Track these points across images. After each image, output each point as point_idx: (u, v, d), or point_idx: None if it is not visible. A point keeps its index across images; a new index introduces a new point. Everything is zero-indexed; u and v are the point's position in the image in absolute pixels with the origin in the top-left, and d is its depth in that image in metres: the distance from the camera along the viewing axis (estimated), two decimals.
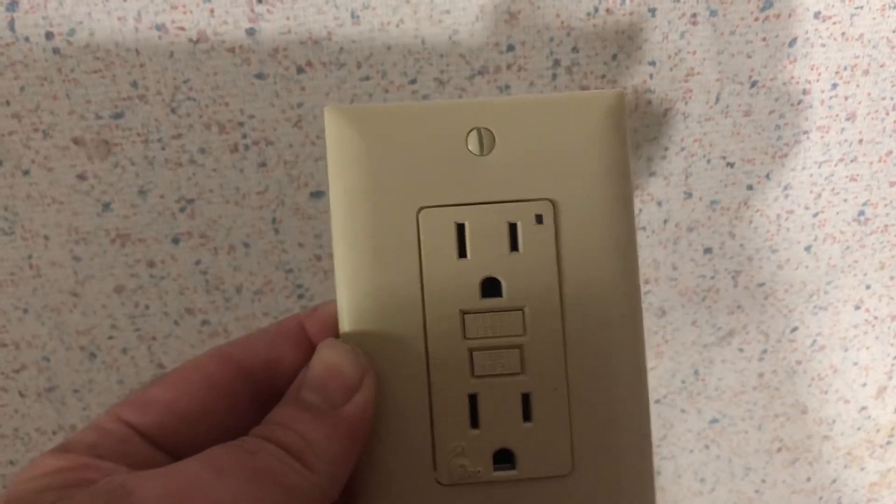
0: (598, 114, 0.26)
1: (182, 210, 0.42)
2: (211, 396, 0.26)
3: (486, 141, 0.26)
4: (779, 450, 0.57)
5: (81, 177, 0.41)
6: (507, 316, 0.26)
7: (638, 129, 0.43)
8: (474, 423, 0.26)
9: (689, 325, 0.50)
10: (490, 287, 0.26)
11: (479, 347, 0.26)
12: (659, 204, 0.45)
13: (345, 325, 0.26)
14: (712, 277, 0.49)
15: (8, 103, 0.39)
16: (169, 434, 0.25)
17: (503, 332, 0.26)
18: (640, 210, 0.45)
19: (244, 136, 0.41)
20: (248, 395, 0.26)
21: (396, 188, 0.25)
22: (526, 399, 0.26)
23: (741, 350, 0.52)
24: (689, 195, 0.45)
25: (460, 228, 0.26)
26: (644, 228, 0.46)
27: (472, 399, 0.26)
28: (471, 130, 0.26)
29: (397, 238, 0.25)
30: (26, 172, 0.40)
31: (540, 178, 0.26)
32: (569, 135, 0.26)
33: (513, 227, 0.26)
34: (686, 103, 0.43)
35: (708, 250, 0.48)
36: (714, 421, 0.55)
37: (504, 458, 0.26)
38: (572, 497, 0.26)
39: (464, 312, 0.26)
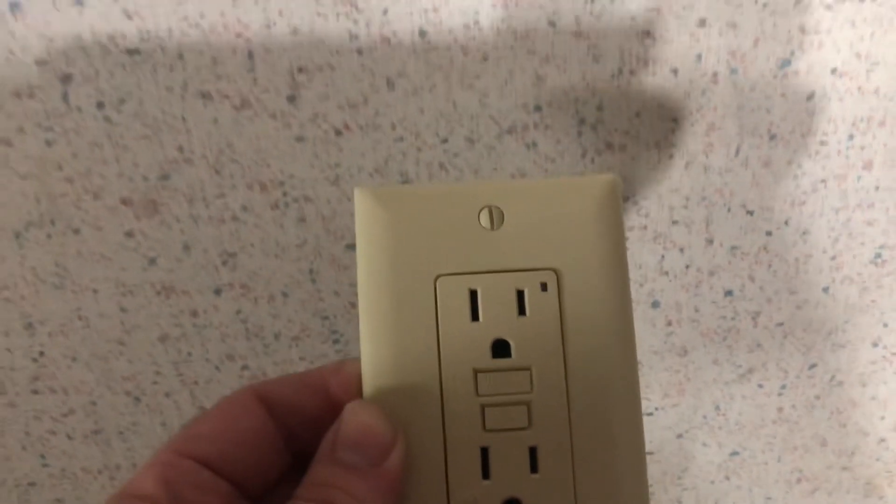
0: (594, 195, 0.29)
1: (224, 263, 0.44)
2: (252, 426, 0.28)
3: (497, 217, 0.29)
4: (798, 480, 0.58)
5: (129, 234, 0.43)
6: (515, 375, 0.28)
7: (660, 181, 0.45)
8: (485, 474, 0.28)
9: (710, 363, 0.52)
10: (500, 348, 0.28)
11: (491, 404, 0.28)
12: (681, 250, 0.47)
13: (368, 382, 0.28)
14: (733, 318, 0.50)
15: (60, 168, 0.41)
16: (228, 462, 0.27)
17: (512, 389, 0.28)
18: (663, 256, 0.47)
19: (284, 194, 0.42)
20: (277, 430, 0.29)
21: (417, 259, 0.28)
22: (533, 452, 0.28)
23: (761, 386, 0.53)
24: (710, 242, 0.47)
25: (473, 295, 0.28)
26: (667, 273, 0.48)
27: (484, 452, 0.28)
28: (483, 208, 0.29)
29: (417, 303, 0.28)
30: (77, 231, 0.42)
31: (544, 251, 0.29)
32: (569, 213, 0.29)
33: (520, 294, 0.28)
34: (707, 156, 0.44)
35: (728, 293, 0.49)
36: (734, 453, 0.56)
37: None
38: None
39: (476, 371, 0.28)
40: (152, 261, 0.44)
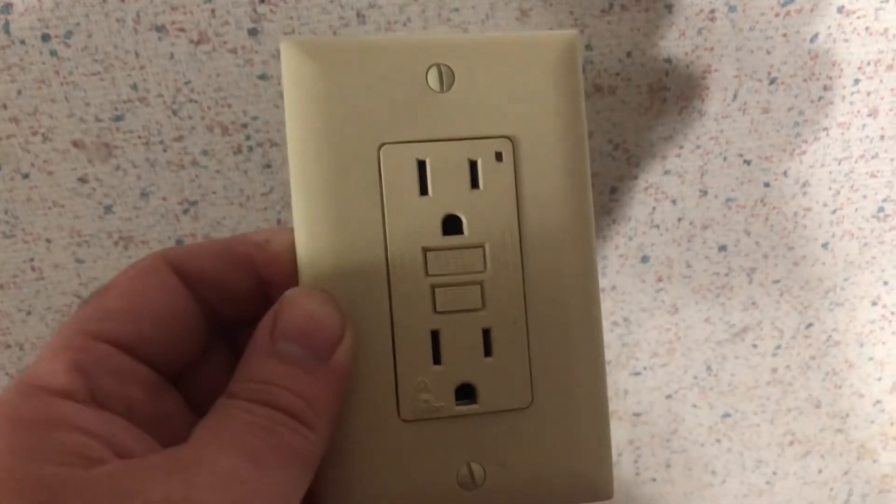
0: (553, 54, 0.26)
1: (185, 212, 0.41)
2: (168, 299, 0.25)
3: (447, 78, 0.26)
4: (791, 443, 0.56)
5: (82, 180, 0.40)
6: (468, 253, 0.26)
7: (653, 127, 0.42)
8: (437, 359, 0.26)
9: (702, 322, 0.49)
10: (451, 224, 0.26)
11: (441, 284, 0.26)
12: (673, 202, 0.44)
13: (305, 263, 0.25)
14: (727, 275, 0.48)
15: (5, 107, 0.38)
16: (144, 343, 0.24)
17: (464, 268, 0.26)
18: (654, 208, 0.44)
19: (248, 138, 0.39)
20: (196, 304, 0.25)
21: (357, 125, 0.25)
22: (486, 334, 0.26)
23: (755, 346, 0.51)
24: (704, 193, 0.44)
25: (421, 165, 0.26)
26: (658, 227, 0.45)
27: (435, 335, 0.26)
28: (431, 66, 0.26)
29: (359, 175, 0.25)
30: (26, 176, 0.39)
31: (499, 116, 0.26)
32: (526, 74, 0.26)
33: (473, 165, 0.26)
34: (703, 101, 0.41)
35: (723, 248, 0.46)
36: (726, 415, 0.54)
37: (466, 392, 0.26)
38: (531, 428, 0.26)
39: (426, 250, 0.26)
40: (108, 208, 0.41)
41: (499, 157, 0.26)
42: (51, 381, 0.22)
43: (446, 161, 0.26)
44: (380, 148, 0.25)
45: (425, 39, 0.26)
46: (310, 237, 0.25)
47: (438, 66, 0.25)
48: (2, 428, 0.20)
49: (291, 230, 0.26)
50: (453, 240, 0.26)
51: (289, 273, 0.26)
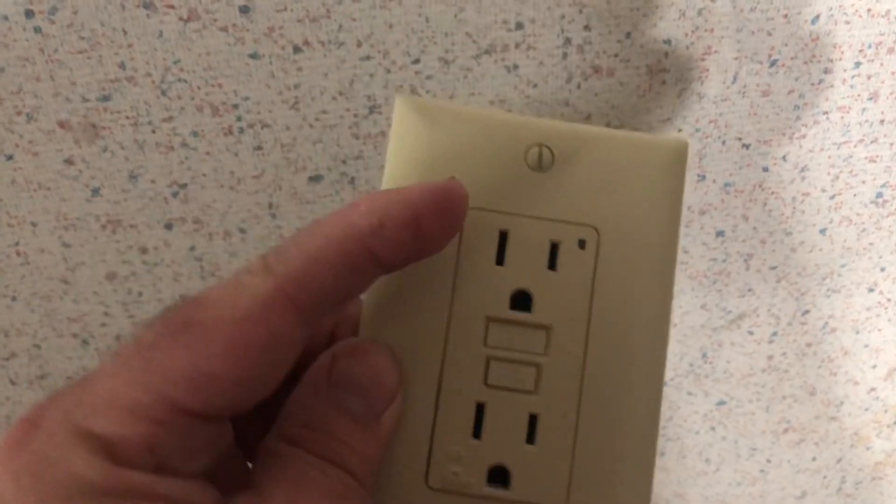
0: (660, 158, 0.26)
1: (175, 195, 0.40)
2: (283, 360, 0.21)
3: (546, 159, 0.25)
4: (785, 431, 0.56)
5: (69, 161, 0.39)
6: (531, 332, 0.25)
7: (651, 110, 0.41)
8: (476, 433, 0.25)
9: (698, 308, 0.49)
10: (521, 301, 0.25)
11: (498, 357, 0.25)
12: None
13: (368, 309, 0.25)
14: (724, 261, 0.47)
15: None
16: (237, 409, 0.21)
17: (524, 347, 0.25)
18: None
19: (238, 119, 0.39)
20: (302, 344, 0.22)
21: None
22: (533, 420, 0.25)
23: (751, 333, 0.50)
24: (702, 177, 0.44)
25: (503, 236, 0.25)
26: None
27: (480, 409, 0.25)
28: (532, 146, 0.25)
29: None
30: (10, 157, 0.38)
31: (590, 206, 0.25)
32: (627, 171, 0.25)
33: (554, 247, 0.25)
34: (702, 83, 0.41)
35: (720, 233, 0.46)
36: (721, 403, 0.54)
37: (498, 476, 0.25)
38: None
39: (490, 319, 0.25)
40: (96, 191, 0.40)
41: (581, 244, 0.25)
42: (122, 452, 0.19)
43: (528, 237, 0.25)
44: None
45: (533, 120, 0.26)
46: (379, 290, 0.25)
47: (541, 146, 0.25)
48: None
49: (389, 195, 0.23)
50: (519, 316, 0.25)
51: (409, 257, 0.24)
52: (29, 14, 0.35)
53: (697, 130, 0.42)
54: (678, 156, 0.26)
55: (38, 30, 0.35)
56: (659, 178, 0.25)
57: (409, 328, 0.25)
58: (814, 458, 0.57)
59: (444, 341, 0.25)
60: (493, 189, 0.25)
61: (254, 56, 0.37)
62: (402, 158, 0.25)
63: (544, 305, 0.25)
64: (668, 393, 0.52)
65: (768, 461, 0.57)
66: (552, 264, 0.25)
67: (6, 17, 0.35)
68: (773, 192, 0.45)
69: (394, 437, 0.24)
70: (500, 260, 0.25)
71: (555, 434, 0.25)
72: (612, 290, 0.25)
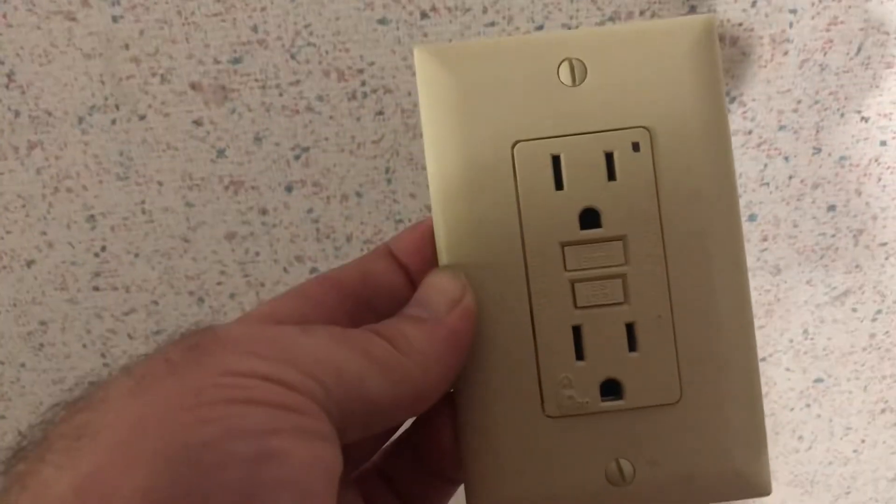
0: (688, 40, 0.25)
1: (297, 158, 0.41)
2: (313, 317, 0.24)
3: (578, 71, 0.25)
4: (882, 411, 0.55)
5: (197, 122, 0.40)
6: (607, 246, 0.25)
7: (771, 81, 0.41)
8: (579, 354, 0.25)
9: (803, 283, 0.48)
10: (589, 218, 0.25)
11: (581, 279, 0.25)
12: (786, 159, 0.43)
13: (443, 258, 0.26)
14: (833, 236, 0.47)
15: (127, 47, 0.38)
16: None
17: (604, 262, 0.25)
18: (766, 165, 0.43)
19: (363, 84, 0.39)
20: (347, 310, 0.25)
21: (490, 125, 0.25)
22: (630, 329, 0.25)
23: (854, 310, 0.50)
24: (818, 150, 0.43)
25: (556, 160, 0.25)
26: (768, 184, 0.44)
27: (577, 331, 0.25)
28: (562, 61, 0.25)
29: (493, 172, 0.25)
30: (143, 117, 0.40)
31: (634, 107, 0.25)
32: (661, 62, 0.25)
33: (609, 157, 0.25)
34: (825, 54, 0.40)
35: (832, 208, 0.45)
36: (819, 381, 0.53)
37: (611, 388, 0.26)
38: (681, 424, 0.25)
39: (563, 244, 0.25)
40: (221, 152, 0.41)
41: (636, 147, 0.25)
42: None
43: (581, 155, 0.25)
44: (514, 146, 0.25)
45: (555, 35, 0.26)
46: (449, 239, 0.25)
47: (570, 60, 0.25)
48: None
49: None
50: (591, 233, 0.25)
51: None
52: None
53: (816, 102, 0.42)
54: (707, 33, 0.25)
55: None
56: (693, 60, 0.25)
57: (487, 276, 0.25)
58: None
59: (525, 278, 0.25)
60: (533, 116, 0.25)
61: (382, 21, 0.38)
62: (435, 109, 0.25)
63: (613, 217, 0.25)
64: (766, 369, 0.52)
65: (862, 441, 0.57)
66: (611, 175, 0.25)
67: None
68: (888, 167, 0.44)
69: (468, 340, 0.24)
70: (559, 185, 0.25)
71: (654, 336, 0.25)
72: (677, 184, 0.25)
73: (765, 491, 0.26)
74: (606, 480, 0.25)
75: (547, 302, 0.25)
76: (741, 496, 0.26)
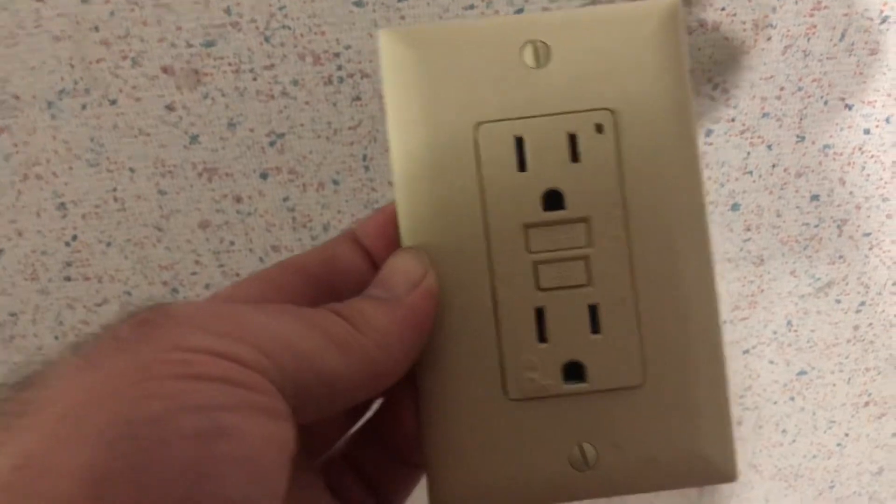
0: (653, 23, 0.25)
1: (272, 144, 0.40)
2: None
3: (542, 54, 0.25)
4: (866, 404, 0.55)
5: (170, 107, 0.39)
6: (570, 228, 0.25)
7: (754, 67, 0.40)
8: (542, 336, 0.25)
9: (787, 274, 0.48)
10: (552, 200, 0.25)
11: (544, 261, 0.25)
12: (769, 147, 0.43)
13: (406, 239, 0.26)
14: (816, 226, 0.46)
15: (97, 29, 0.37)
16: None
17: (567, 244, 0.25)
18: (749, 153, 0.43)
19: (339, 68, 0.39)
20: (309, 295, 0.25)
21: (453, 106, 0.25)
22: (593, 311, 0.25)
23: (838, 301, 0.50)
24: (801, 138, 0.43)
25: (519, 142, 0.25)
26: (751, 173, 0.44)
27: (539, 313, 0.25)
28: (525, 44, 0.25)
29: (456, 154, 0.25)
30: (113, 102, 0.39)
31: (598, 89, 0.25)
32: (625, 45, 0.25)
33: (573, 139, 0.25)
34: (808, 40, 0.40)
35: (815, 197, 0.45)
36: (802, 373, 0.53)
37: (574, 370, 0.26)
38: (645, 408, 0.25)
39: (527, 226, 0.25)
40: (194, 138, 0.40)
41: (599, 129, 0.25)
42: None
43: (544, 136, 0.25)
44: (477, 127, 0.25)
45: (519, 17, 0.27)
46: (411, 220, 0.25)
47: (534, 42, 0.25)
48: None
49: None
50: (554, 215, 0.25)
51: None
52: None
53: (800, 90, 0.41)
54: (671, 16, 0.25)
55: None
56: (657, 43, 0.25)
57: (449, 257, 0.25)
58: (894, 434, 0.56)
59: (488, 259, 0.25)
60: (497, 98, 0.25)
61: (358, 4, 0.37)
62: (399, 91, 0.25)
63: (576, 198, 0.25)
64: (749, 361, 0.52)
65: (846, 434, 0.56)
66: (575, 157, 0.25)
67: None
68: (872, 156, 0.44)
69: (429, 321, 0.24)
70: (521, 166, 0.25)
71: (617, 318, 0.25)
72: (640, 167, 0.25)
73: (730, 476, 0.26)
74: (569, 465, 0.25)
75: (510, 283, 0.25)
76: (706, 481, 0.26)
